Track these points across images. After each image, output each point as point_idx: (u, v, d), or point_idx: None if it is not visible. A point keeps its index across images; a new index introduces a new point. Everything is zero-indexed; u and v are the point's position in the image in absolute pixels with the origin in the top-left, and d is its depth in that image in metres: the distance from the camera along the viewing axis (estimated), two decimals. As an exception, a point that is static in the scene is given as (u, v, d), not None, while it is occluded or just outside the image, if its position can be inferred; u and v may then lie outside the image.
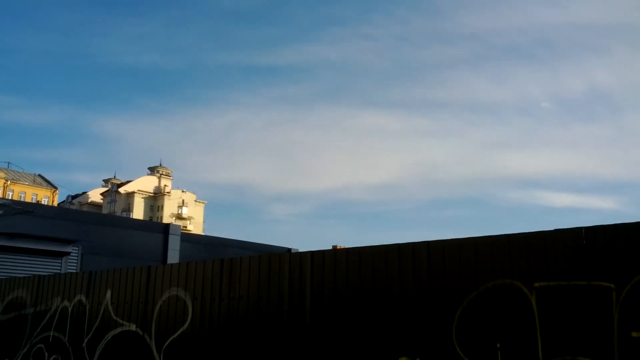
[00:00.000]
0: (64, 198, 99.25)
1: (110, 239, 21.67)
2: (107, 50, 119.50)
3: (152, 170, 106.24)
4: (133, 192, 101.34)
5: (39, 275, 10.37)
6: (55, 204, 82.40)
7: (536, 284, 4.98)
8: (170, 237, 23.97)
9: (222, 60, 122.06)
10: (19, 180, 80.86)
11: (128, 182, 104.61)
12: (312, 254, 6.67)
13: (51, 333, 9.48)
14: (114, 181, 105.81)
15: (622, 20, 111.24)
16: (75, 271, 16.66)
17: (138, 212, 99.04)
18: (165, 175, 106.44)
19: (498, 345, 5.10)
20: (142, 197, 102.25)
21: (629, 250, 4.62)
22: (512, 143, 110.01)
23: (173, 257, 23.31)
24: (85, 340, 8.89)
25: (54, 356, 9.33)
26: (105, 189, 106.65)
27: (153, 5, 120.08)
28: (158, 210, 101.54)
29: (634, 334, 4.47)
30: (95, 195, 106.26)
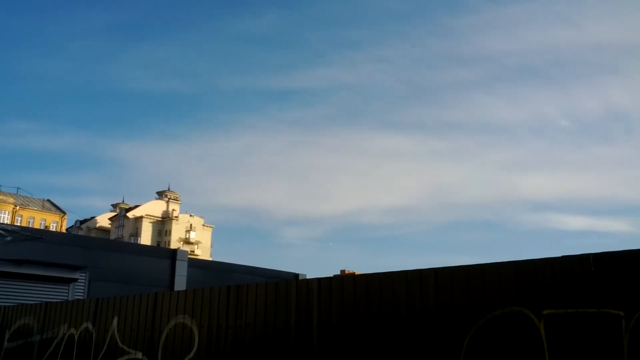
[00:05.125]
0: (72, 223, 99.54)
1: (117, 265, 21.63)
2: (122, 75, 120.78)
3: (160, 194, 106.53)
4: (141, 217, 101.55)
5: (46, 303, 10.36)
6: (64, 229, 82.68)
7: (545, 312, 4.93)
8: (178, 263, 23.90)
9: (237, 84, 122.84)
10: (28, 205, 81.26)
11: (136, 206, 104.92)
12: (319, 280, 6.64)
13: (57, 361, 9.43)
14: (122, 206, 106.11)
15: (638, 40, 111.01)
16: (82, 298, 16.65)
17: (146, 236, 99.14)
18: (173, 199, 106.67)
19: (507, 374, 5.03)
20: (150, 222, 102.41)
21: (638, 276, 4.57)
22: (528, 164, 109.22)
23: (180, 282, 23.21)
24: (92, 369, 8.84)
25: (60, 384, 9.28)
26: (114, 213, 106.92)
27: (168, 31, 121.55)
28: (166, 235, 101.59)
29: (645, 363, 4.41)
30: (103, 220, 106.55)
